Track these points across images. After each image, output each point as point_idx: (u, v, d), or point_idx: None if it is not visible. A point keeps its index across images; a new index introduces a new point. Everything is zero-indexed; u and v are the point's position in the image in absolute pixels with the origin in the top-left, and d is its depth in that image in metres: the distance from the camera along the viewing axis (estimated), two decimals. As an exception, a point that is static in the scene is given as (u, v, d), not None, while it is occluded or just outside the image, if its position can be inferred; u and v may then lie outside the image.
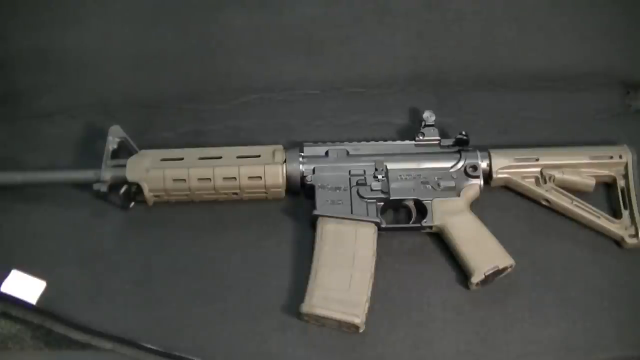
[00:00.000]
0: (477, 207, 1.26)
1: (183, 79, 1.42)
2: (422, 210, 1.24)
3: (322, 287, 1.16)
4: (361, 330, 1.16)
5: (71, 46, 1.42)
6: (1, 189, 1.26)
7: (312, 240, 1.21)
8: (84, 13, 1.44)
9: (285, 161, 1.25)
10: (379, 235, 1.21)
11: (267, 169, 1.23)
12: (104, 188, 1.22)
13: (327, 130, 1.37)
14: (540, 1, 1.48)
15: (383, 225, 1.23)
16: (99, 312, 1.19)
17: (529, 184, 1.28)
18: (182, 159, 1.24)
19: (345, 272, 1.17)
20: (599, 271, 1.24)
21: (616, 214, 1.28)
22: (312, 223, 1.23)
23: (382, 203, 1.24)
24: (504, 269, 1.19)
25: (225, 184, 1.23)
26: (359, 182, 1.24)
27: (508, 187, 1.30)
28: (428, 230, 1.24)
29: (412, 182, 1.25)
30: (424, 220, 1.23)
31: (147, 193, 1.23)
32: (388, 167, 1.26)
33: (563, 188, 1.27)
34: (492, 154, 1.28)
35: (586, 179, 1.28)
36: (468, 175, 1.26)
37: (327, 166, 1.26)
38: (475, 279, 1.18)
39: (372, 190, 1.24)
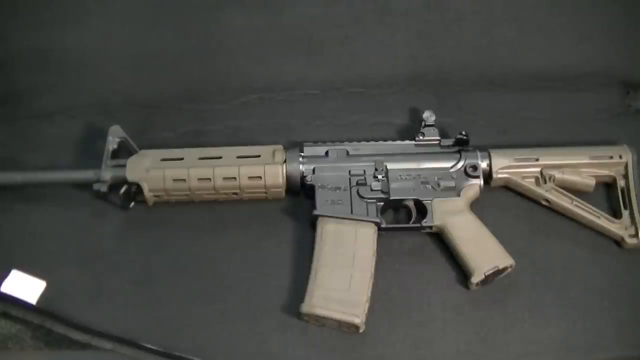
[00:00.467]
0: (477, 207, 1.26)
1: (183, 79, 1.42)
2: (422, 210, 1.24)
3: (322, 287, 1.16)
4: (361, 330, 1.16)
5: (71, 46, 1.43)
6: (1, 189, 1.26)
7: (312, 240, 1.21)
8: (84, 13, 1.44)
9: (285, 161, 1.25)
10: (379, 235, 1.21)
11: (267, 169, 1.23)
12: (104, 188, 1.22)
13: (327, 130, 1.37)
14: (540, 1, 1.48)
15: (383, 225, 1.23)
16: (99, 312, 1.19)
17: (529, 184, 1.28)
18: (182, 159, 1.24)
19: (345, 272, 1.17)
20: (599, 271, 1.24)
21: (616, 214, 1.28)
22: (312, 223, 1.23)
23: (382, 203, 1.24)
24: (504, 269, 1.19)
25: (225, 184, 1.23)
26: (359, 182, 1.24)
27: (508, 187, 1.30)
28: (428, 230, 1.24)
29: (412, 182, 1.25)
30: (424, 220, 1.23)
31: (147, 193, 1.23)
32: (388, 167, 1.26)
33: (563, 188, 1.27)
34: (492, 154, 1.28)
35: (586, 179, 1.28)
36: (468, 175, 1.26)
37: (327, 166, 1.26)
38: (475, 279, 1.18)
39: (372, 190, 1.24)
